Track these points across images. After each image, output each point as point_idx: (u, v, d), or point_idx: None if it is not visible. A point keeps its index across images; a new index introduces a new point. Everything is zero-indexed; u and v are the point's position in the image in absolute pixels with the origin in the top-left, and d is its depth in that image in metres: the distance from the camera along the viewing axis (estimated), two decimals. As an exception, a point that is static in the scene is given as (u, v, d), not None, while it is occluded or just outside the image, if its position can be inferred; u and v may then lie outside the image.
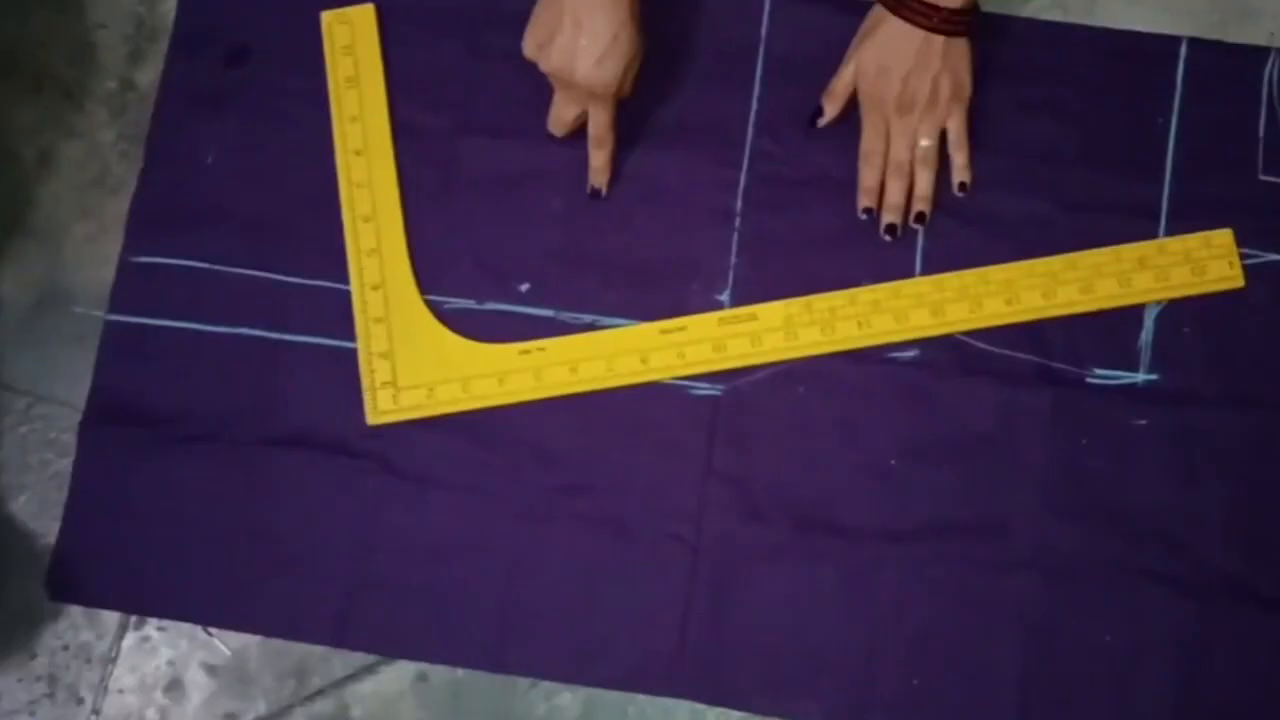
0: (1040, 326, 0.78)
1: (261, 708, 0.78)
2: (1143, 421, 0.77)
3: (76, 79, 0.85)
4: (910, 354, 0.78)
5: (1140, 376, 0.77)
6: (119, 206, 0.83)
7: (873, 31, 0.76)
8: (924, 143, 0.77)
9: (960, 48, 0.75)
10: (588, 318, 0.80)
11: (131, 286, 0.82)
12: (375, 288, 0.80)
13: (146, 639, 0.79)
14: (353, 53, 0.83)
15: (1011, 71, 0.81)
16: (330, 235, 0.81)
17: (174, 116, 0.83)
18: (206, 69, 0.84)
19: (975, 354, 0.78)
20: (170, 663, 0.79)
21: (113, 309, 0.81)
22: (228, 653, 0.79)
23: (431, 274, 0.81)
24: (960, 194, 0.79)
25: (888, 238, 0.79)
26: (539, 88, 0.79)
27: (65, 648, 0.79)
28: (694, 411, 0.79)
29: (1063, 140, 0.80)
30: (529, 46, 0.74)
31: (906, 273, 0.79)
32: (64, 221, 0.84)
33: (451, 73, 0.83)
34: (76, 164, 0.84)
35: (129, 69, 0.85)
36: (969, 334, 0.78)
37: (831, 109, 0.79)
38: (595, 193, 0.80)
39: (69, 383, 0.81)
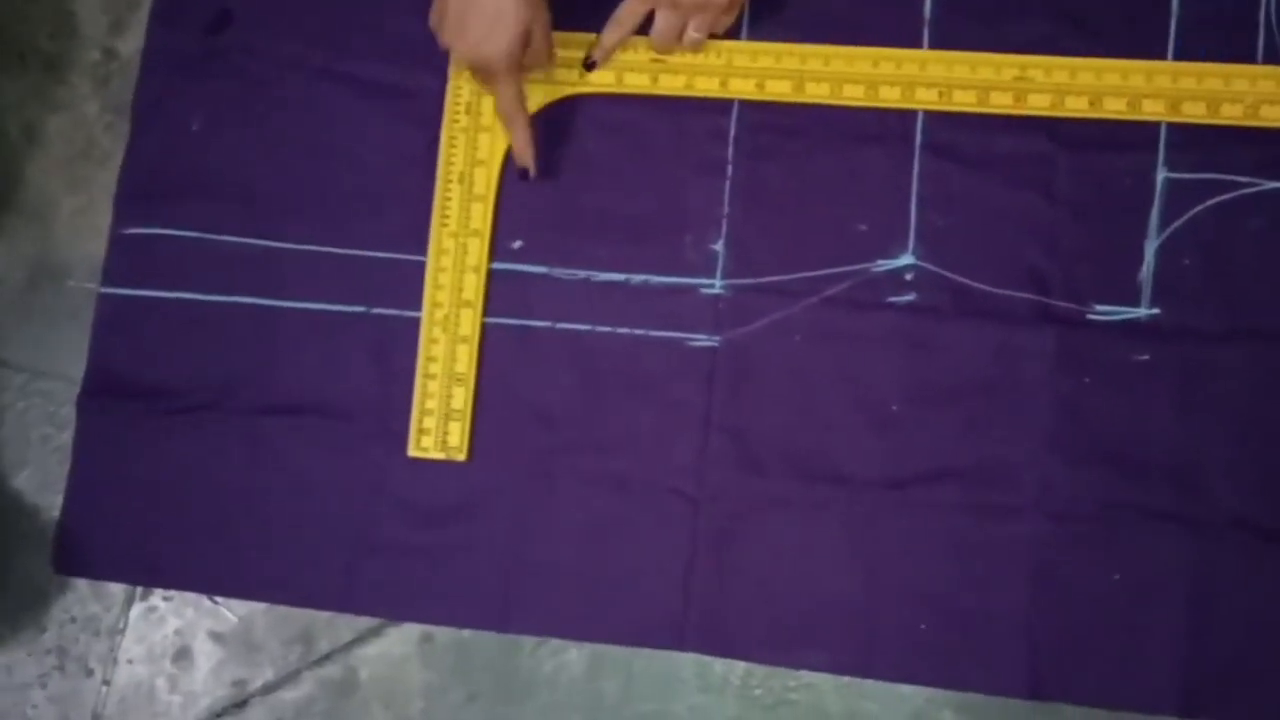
0: (1038, 263, 0.77)
1: (269, 674, 0.78)
2: (1145, 357, 0.75)
3: (59, 52, 0.85)
4: (908, 298, 0.77)
5: (1142, 311, 0.76)
6: (107, 178, 0.82)
7: None
8: (695, 35, 0.77)
9: None
10: (582, 273, 0.80)
11: (124, 258, 0.82)
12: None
13: (153, 609, 0.79)
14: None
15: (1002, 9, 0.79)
16: (317, 200, 0.81)
17: (158, 85, 0.83)
18: (188, 36, 0.83)
19: (973, 295, 0.77)
20: (178, 632, 0.79)
21: (106, 282, 0.81)
22: (234, 620, 0.79)
23: (421, 228, 0.80)
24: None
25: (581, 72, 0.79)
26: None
27: (73, 620, 0.79)
28: (691, 364, 0.78)
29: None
30: (431, 19, 0.73)
31: (904, 218, 0.78)
32: (53, 196, 0.84)
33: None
34: (62, 137, 0.84)
35: (111, 39, 0.85)
36: (967, 274, 0.77)
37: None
38: (524, 174, 0.77)
39: (66, 357, 0.81)
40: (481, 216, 0.79)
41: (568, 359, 0.79)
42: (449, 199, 0.79)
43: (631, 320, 0.79)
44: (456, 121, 0.80)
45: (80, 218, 0.83)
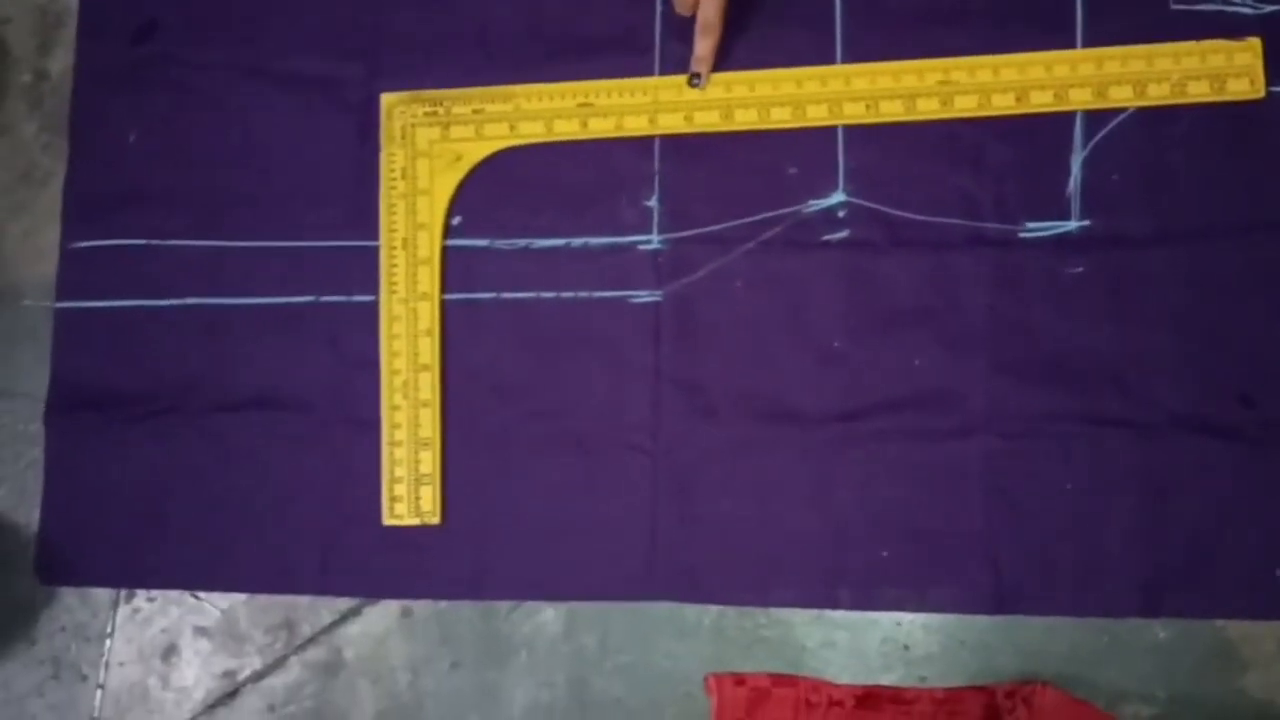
0: (966, 187, 0.78)
1: (257, 662, 0.80)
2: (1079, 269, 0.76)
3: (-9, 77, 0.86)
4: (842, 234, 0.79)
5: (1073, 224, 0.77)
6: (51, 197, 0.84)
7: None
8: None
9: None
10: (521, 242, 0.81)
11: (75, 273, 0.83)
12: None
13: (138, 610, 0.81)
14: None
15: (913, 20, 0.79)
16: (257, 196, 0.82)
17: (91, 101, 0.84)
18: (116, 49, 0.84)
19: (905, 225, 0.78)
20: (164, 630, 0.81)
21: (60, 297, 0.83)
22: (218, 614, 0.81)
23: (362, 214, 0.81)
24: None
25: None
26: (445, 30, 0.82)
27: (63, 629, 0.81)
28: (637, 320, 0.79)
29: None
30: None
31: (832, 156, 0.79)
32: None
33: (357, 21, 0.83)
34: (3, 162, 0.85)
35: (40, 60, 0.86)
36: (898, 206, 0.78)
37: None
38: (695, 78, 0.78)
39: (29, 375, 0.83)
40: (429, 280, 0.80)
41: (515, 328, 0.80)
42: (395, 266, 0.80)
43: (574, 283, 0.80)
44: (394, 188, 0.81)
45: (29, 238, 0.84)
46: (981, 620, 0.75)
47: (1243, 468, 0.74)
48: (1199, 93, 0.76)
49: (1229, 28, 0.76)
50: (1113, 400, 0.75)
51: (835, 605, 0.76)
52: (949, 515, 0.76)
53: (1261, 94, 0.76)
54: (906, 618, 0.76)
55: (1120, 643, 0.75)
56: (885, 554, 0.76)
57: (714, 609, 0.77)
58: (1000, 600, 0.75)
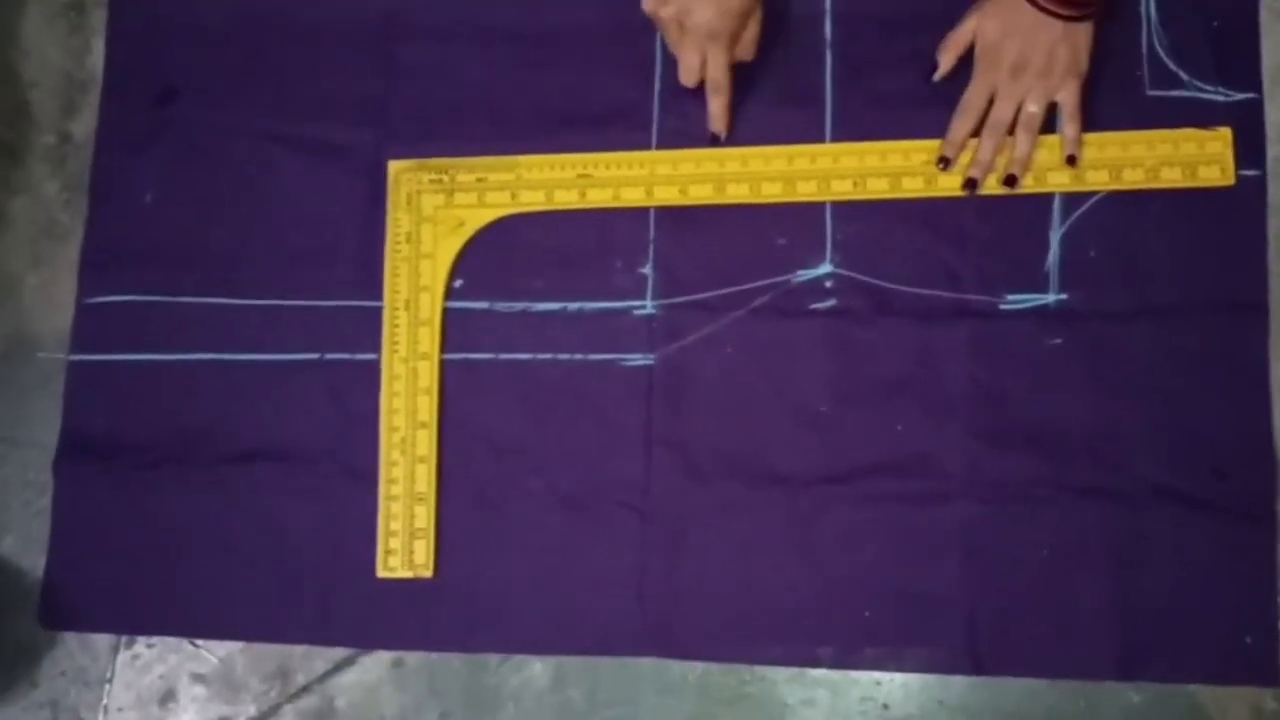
0: (949, 260, 0.81)
1: (252, 709, 0.82)
2: (1057, 340, 0.79)
3: (17, 138, 0.89)
4: (829, 304, 0.81)
5: (1051, 297, 0.80)
6: (69, 253, 0.87)
7: None
8: (1031, 109, 0.78)
9: (1084, 26, 0.77)
10: (520, 305, 0.84)
11: (89, 327, 0.86)
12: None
13: (137, 656, 0.83)
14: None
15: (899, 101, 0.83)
16: (267, 256, 0.85)
17: (111, 162, 0.88)
18: (137, 113, 0.88)
19: (891, 296, 0.81)
20: (162, 676, 0.83)
21: (74, 350, 0.86)
22: (215, 661, 0.83)
23: (367, 275, 0.84)
24: (1071, 166, 0.79)
25: (966, 192, 0.80)
26: (453, 100, 0.85)
27: (63, 674, 0.83)
28: (630, 383, 0.82)
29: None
30: (648, 3, 0.78)
31: (820, 229, 0.82)
32: (19, 273, 0.88)
33: (369, 90, 0.87)
34: (25, 218, 0.89)
35: (64, 122, 0.90)
36: (884, 277, 0.81)
37: (946, 63, 0.80)
38: (715, 138, 0.81)
39: (41, 425, 0.85)
40: (429, 340, 0.83)
41: (512, 388, 0.83)
42: (397, 326, 0.83)
43: (570, 346, 0.83)
44: (398, 251, 0.84)
45: (46, 291, 0.88)
46: (960, 681, 0.77)
47: (1215, 537, 0.77)
48: (1171, 178, 0.79)
49: (1201, 113, 0.80)
50: (1089, 469, 0.78)
51: (817, 664, 0.78)
52: (929, 578, 0.78)
53: (1231, 181, 0.79)
54: (886, 677, 0.78)
55: (1096, 706, 0.76)
56: (866, 614, 0.78)
57: (699, 665, 0.79)
58: (978, 662, 0.77)
